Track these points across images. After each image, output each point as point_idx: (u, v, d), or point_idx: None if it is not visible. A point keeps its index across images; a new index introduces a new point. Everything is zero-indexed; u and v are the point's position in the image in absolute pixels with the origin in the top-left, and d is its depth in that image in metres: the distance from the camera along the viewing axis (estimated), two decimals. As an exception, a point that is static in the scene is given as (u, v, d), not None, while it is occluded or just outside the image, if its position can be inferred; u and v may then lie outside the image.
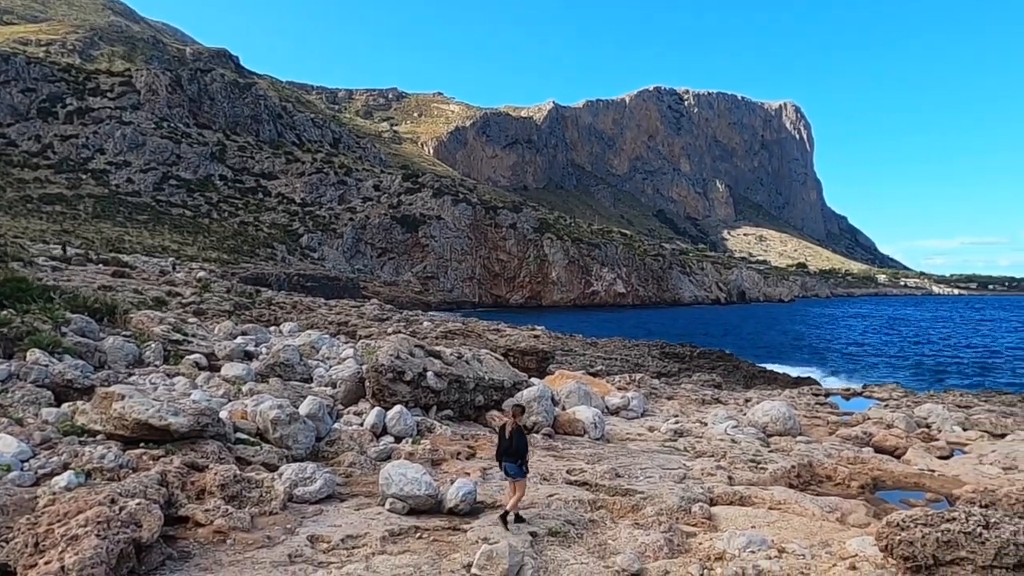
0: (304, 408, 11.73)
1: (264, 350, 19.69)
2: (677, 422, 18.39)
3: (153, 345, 16.82)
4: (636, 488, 11.14)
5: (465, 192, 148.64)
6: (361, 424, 12.76)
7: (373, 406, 13.49)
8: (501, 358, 18.32)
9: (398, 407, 13.00)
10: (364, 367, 15.01)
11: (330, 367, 17.90)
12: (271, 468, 9.85)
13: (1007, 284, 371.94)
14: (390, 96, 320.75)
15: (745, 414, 20.01)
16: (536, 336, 41.20)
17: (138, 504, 6.86)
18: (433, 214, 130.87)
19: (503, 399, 15.66)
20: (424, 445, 12.02)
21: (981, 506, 7.13)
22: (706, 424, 18.66)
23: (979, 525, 6.14)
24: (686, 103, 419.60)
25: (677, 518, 9.79)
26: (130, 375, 14.42)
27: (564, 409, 17.18)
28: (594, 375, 26.52)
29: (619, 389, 22.58)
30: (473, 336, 35.78)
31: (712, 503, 10.79)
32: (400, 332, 30.67)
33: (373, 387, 14.05)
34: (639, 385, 25.51)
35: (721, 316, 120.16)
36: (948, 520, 6.31)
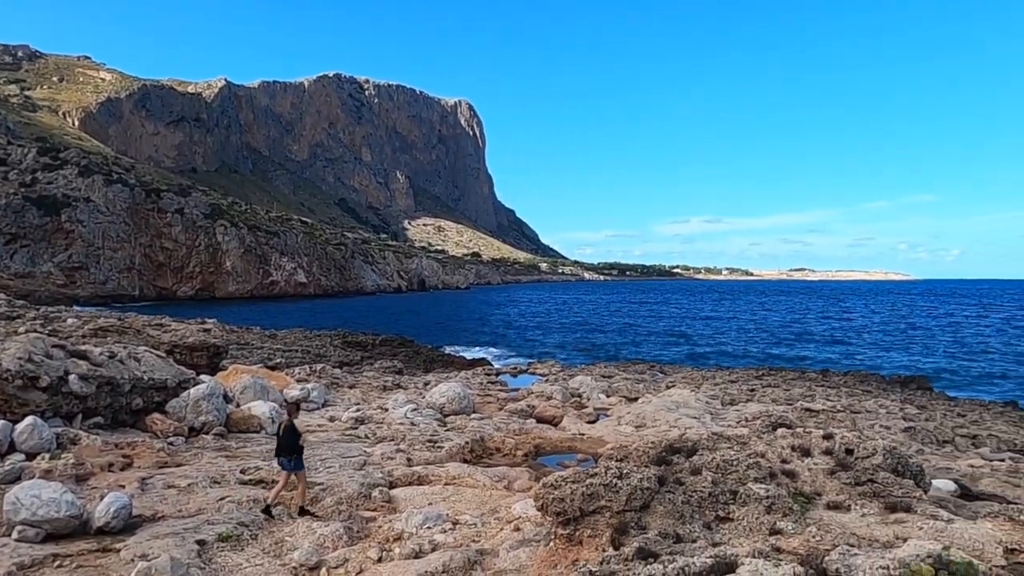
0: None
1: None
2: (359, 410, 18.49)
3: None
4: (316, 480, 10.95)
5: (121, 172, 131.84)
6: (-21, 443, 10.66)
7: (-4, 420, 11.34)
8: (164, 356, 16.67)
9: (31, 418, 11.12)
10: (-17, 374, 12.54)
11: (-65, 377, 14.63)
12: None
13: (639, 271, 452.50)
14: (20, 55, 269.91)
15: (424, 397, 20.84)
16: (207, 330, 38.30)
17: None
18: (80, 195, 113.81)
19: (166, 400, 14.28)
20: (66, 459, 10.46)
21: (617, 461, 8.25)
22: (387, 410, 19.04)
23: (615, 477, 7.10)
24: (367, 92, 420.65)
25: (357, 505, 9.84)
26: None
27: (239, 406, 16.28)
28: (273, 368, 25.49)
29: (299, 381, 22.02)
30: (131, 333, 32.02)
31: (392, 486, 11.05)
32: (36, 331, 26.26)
33: (-4, 397, 11.81)
34: (320, 376, 25.15)
35: (403, 304, 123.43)
36: (591, 476, 7.20)
